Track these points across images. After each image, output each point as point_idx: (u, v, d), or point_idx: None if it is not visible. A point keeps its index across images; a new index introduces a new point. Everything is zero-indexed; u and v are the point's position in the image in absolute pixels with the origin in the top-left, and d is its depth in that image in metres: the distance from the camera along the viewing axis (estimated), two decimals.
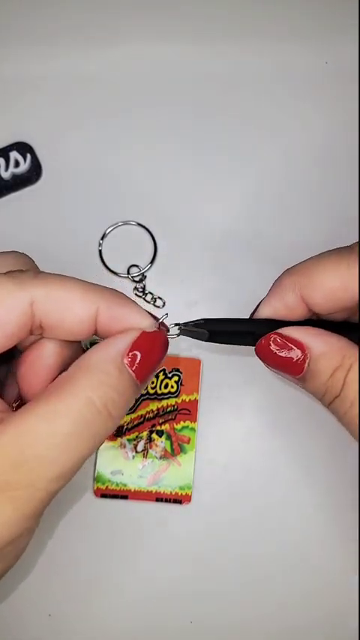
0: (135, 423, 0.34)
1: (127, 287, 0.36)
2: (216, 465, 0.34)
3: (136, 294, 0.36)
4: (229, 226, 0.37)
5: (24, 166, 0.37)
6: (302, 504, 0.34)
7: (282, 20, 0.39)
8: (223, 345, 0.35)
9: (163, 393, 0.34)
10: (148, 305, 0.36)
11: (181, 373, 0.34)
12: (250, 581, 0.34)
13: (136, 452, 0.34)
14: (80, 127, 0.38)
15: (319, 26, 0.39)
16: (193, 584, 0.34)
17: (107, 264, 0.36)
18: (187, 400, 0.34)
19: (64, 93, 0.39)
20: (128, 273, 0.36)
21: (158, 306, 0.36)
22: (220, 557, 0.34)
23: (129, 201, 0.37)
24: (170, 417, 0.34)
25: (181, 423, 0.34)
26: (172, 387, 0.34)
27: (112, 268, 0.36)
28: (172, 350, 0.35)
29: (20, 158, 0.37)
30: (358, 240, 0.25)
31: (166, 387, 0.34)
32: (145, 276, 0.36)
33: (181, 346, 0.35)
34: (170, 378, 0.34)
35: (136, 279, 0.36)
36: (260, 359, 0.25)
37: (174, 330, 0.26)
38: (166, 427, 0.34)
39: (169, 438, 0.34)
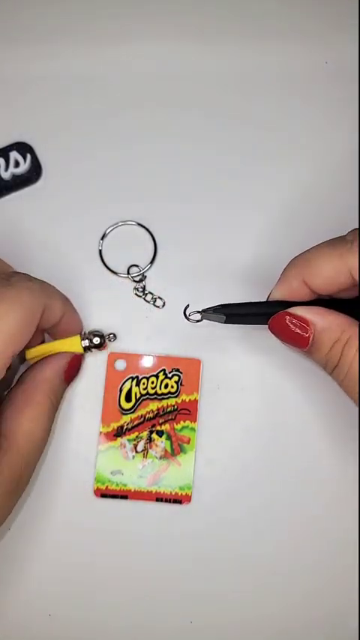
0: (135, 423, 0.34)
1: (127, 287, 0.36)
2: (216, 465, 0.34)
3: (136, 294, 0.36)
4: (231, 227, 0.37)
5: (24, 166, 0.37)
6: (302, 504, 0.34)
7: (282, 20, 0.39)
8: (223, 344, 0.35)
9: (163, 393, 0.34)
10: (149, 305, 0.36)
11: (181, 373, 0.34)
12: (250, 580, 0.34)
13: (136, 452, 0.34)
14: (80, 127, 0.38)
15: (319, 26, 0.39)
16: (193, 584, 0.34)
17: (107, 264, 0.36)
18: (187, 400, 0.34)
19: (64, 93, 0.39)
20: (128, 273, 0.36)
21: (158, 306, 0.36)
22: (220, 556, 0.34)
23: (129, 201, 0.37)
24: (170, 417, 0.34)
25: (181, 423, 0.34)
26: (172, 387, 0.34)
27: (112, 268, 0.36)
28: (172, 350, 0.35)
29: (20, 158, 0.37)
30: (350, 231, 0.29)
31: (166, 387, 0.34)
32: (145, 276, 0.36)
33: (181, 346, 0.35)
34: (170, 378, 0.34)
35: (136, 279, 0.36)
36: (273, 334, 0.30)
37: (195, 317, 0.32)
38: (166, 427, 0.34)
39: (169, 438, 0.34)
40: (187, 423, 0.34)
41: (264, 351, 0.35)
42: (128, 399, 0.34)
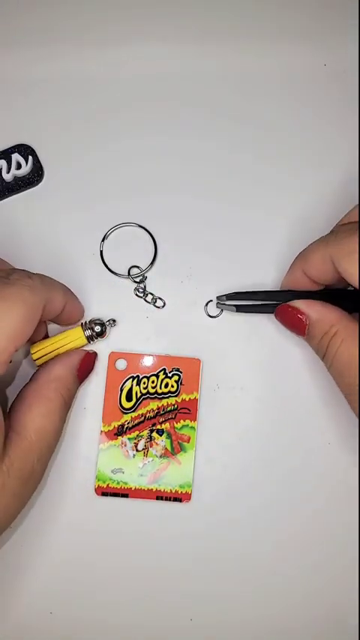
0: (136, 421, 0.34)
1: (127, 288, 0.36)
2: (215, 463, 0.35)
3: (136, 295, 0.36)
4: (231, 227, 0.37)
5: (26, 168, 0.37)
6: (302, 502, 0.34)
7: (282, 21, 0.39)
8: (222, 344, 0.35)
9: (163, 393, 0.34)
10: (149, 305, 0.36)
11: (181, 373, 0.35)
12: (250, 578, 0.34)
13: (137, 450, 0.34)
14: (81, 129, 0.38)
15: (320, 27, 0.39)
16: (193, 582, 0.34)
17: (108, 265, 0.36)
18: (187, 399, 0.34)
19: (65, 95, 0.39)
20: (129, 274, 0.36)
21: (158, 307, 0.36)
22: (219, 554, 0.34)
23: (130, 203, 0.37)
24: (170, 416, 0.34)
25: (181, 421, 0.34)
26: (172, 386, 0.35)
27: (113, 269, 0.36)
28: (172, 350, 0.35)
29: (22, 160, 0.37)
30: (340, 225, 0.32)
31: (166, 386, 0.35)
32: (146, 277, 0.37)
33: (182, 346, 0.36)
34: (170, 378, 0.35)
35: (137, 279, 0.36)
36: (278, 321, 0.33)
37: (213, 312, 0.36)
38: (166, 426, 0.34)
39: (169, 436, 0.34)
40: (187, 421, 0.34)
41: (264, 351, 0.36)
42: (129, 398, 0.34)
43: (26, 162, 0.37)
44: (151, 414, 0.34)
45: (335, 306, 0.31)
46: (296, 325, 0.32)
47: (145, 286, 0.36)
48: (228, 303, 0.34)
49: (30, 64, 0.39)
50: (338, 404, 0.34)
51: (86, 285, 0.36)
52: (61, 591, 0.34)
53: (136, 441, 0.34)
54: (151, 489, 0.34)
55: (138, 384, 0.35)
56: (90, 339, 0.34)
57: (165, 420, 0.34)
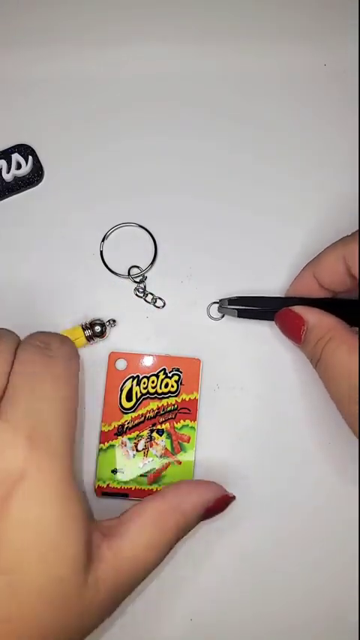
0: (135, 422, 0.34)
1: (127, 288, 0.37)
2: (216, 463, 0.35)
3: (136, 295, 0.36)
4: (230, 227, 0.37)
5: (26, 168, 0.37)
6: (301, 502, 0.34)
7: (282, 21, 0.39)
8: (222, 344, 0.35)
9: (163, 393, 0.35)
10: (149, 305, 0.36)
11: (181, 373, 0.35)
12: (250, 577, 0.34)
13: (137, 450, 0.34)
14: (82, 129, 0.38)
15: (320, 27, 0.39)
16: (193, 582, 0.34)
17: (108, 265, 0.37)
18: (187, 399, 0.34)
19: (65, 95, 0.39)
20: (129, 274, 0.36)
21: (158, 307, 0.36)
22: (219, 554, 0.34)
23: (130, 203, 0.37)
24: (170, 416, 0.34)
25: (181, 421, 0.34)
26: (172, 386, 0.35)
27: (113, 269, 0.36)
28: (172, 350, 0.35)
29: (22, 160, 0.37)
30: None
31: (166, 386, 0.35)
32: (146, 277, 0.37)
33: (182, 346, 0.36)
34: (170, 378, 0.35)
35: (137, 279, 0.36)
36: (277, 326, 0.33)
37: (216, 315, 0.36)
38: (166, 426, 0.34)
39: (169, 436, 0.34)
40: (187, 422, 0.34)
41: (264, 351, 0.36)
42: (129, 398, 0.35)
43: (26, 163, 0.37)
44: (151, 414, 0.34)
45: (334, 315, 0.31)
46: (294, 330, 0.32)
47: (145, 286, 0.36)
48: (230, 307, 0.34)
49: (30, 64, 0.39)
50: None
51: (86, 285, 0.36)
52: None
53: (136, 441, 0.34)
54: (152, 489, 0.34)
55: (138, 384, 0.35)
56: (90, 339, 0.34)
57: (165, 420, 0.34)
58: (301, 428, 0.35)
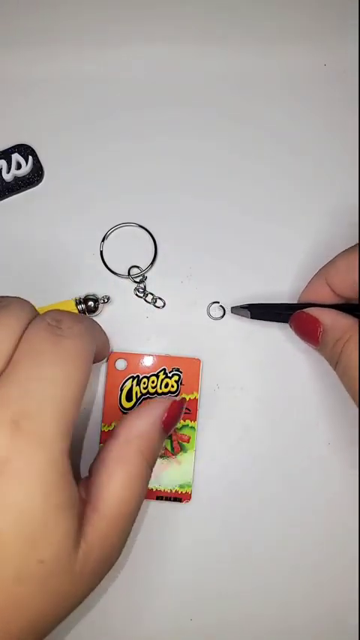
0: None
1: (127, 288, 0.36)
2: (216, 463, 0.35)
3: (136, 295, 0.36)
4: (230, 227, 0.37)
5: (26, 168, 0.37)
6: (302, 502, 0.34)
7: (282, 22, 0.39)
8: (222, 344, 0.35)
9: (163, 393, 0.35)
10: (149, 305, 0.36)
11: (181, 373, 0.35)
12: (250, 578, 0.34)
13: None
14: (82, 129, 0.38)
15: (320, 28, 0.39)
16: (193, 582, 0.34)
17: (108, 265, 0.37)
18: (187, 399, 0.34)
19: (65, 95, 0.39)
20: (129, 274, 0.36)
21: (159, 307, 0.36)
22: (219, 554, 0.34)
23: (130, 203, 0.37)
24: None
25: (181, 422, 0.34)
26: (172, 386, 0.35)
27: (113, 269, 0.36)
28: (172, 350, 0.35)
29: (22, 160, 0.37)
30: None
31: (166, 386, 0.35)
32: (146, 277, 0.37)
33: (182, 346, 0.36)
34: (170, 378, 0.35)
35: (137, 279, 0.36)
36: (292, 329, 0.33)
37: (216, 313, 0.36)
38: None
39: (169, 436, 0.34)
40: (187, 422, 0.34)
41: (264, 351, 0.36)
42: (129, 398, 0.35)
43: (26, 162, 0.37)
44: None
45: (350, 315, 0.31)
46: (310, 332, 0.31)
47: (145, 286, 0.36)
48: (243, 307, 0.34)
49: (30, 64, 0.39)
50: (338, 404, 0.35)
51: (86, 285, 0.36)
52: None
53: None
54: (151, 489, 0.34)
55: (138, 384, 0.35)
56: (82, 313, 0.34)
57: None
58: (301, 428, 0.35)
